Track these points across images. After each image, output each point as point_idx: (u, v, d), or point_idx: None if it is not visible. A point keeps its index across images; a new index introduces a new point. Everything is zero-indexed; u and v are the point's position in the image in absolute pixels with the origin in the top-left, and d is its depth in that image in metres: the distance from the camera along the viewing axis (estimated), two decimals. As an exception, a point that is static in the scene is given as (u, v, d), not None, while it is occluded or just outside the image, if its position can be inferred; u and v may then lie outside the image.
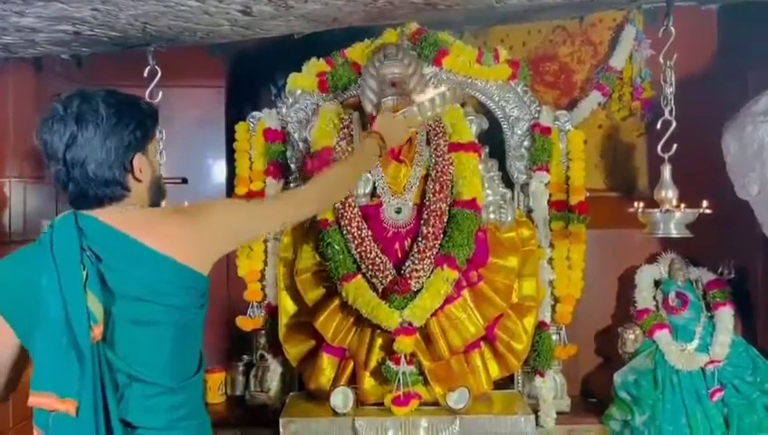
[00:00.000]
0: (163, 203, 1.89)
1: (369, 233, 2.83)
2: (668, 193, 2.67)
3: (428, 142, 2.97)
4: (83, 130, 1.65)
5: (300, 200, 2.06)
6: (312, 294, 2.93)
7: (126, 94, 1.77)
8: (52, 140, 1.66)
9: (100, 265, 1.63)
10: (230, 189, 3.41)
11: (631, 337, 3.16)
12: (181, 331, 1.69)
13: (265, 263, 3.15)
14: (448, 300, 2.80)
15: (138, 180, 1.73)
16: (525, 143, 3.13)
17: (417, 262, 2.80)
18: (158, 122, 1.82)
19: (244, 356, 3.40)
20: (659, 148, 2.72)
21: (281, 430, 2.75)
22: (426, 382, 2.84)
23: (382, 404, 2.81)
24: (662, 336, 3.13)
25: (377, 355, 2.85)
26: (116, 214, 1.70)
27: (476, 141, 3.01)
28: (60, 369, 1.59)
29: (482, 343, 2.93)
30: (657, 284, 3.29)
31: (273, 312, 3.13)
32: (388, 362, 2.79)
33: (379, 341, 2.85)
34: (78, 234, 1.66)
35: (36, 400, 1.62)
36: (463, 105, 3.11)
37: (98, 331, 1.60)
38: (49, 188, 3.35)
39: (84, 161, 1.66)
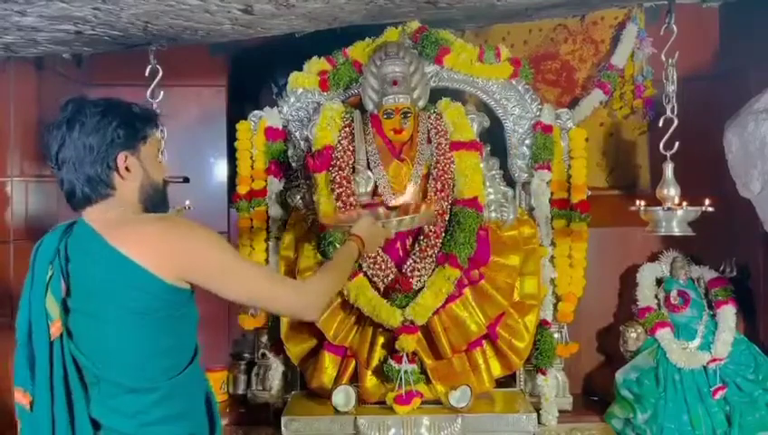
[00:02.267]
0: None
1: (371, 231, 2.83)
2: (670, 191, 2.67)
3: (429, 141, 2.97)
4: (71, 131, 1.71)
5: (285, 285, 1.92)
6: (314, 293, 2.93)
7: (120, 99, 1.80)
8: (50, 143, 1.73)
9: (68, 265, 1.69)
10: (231, 188, 3.41)
11: (633, 335, 3.16)
12: (146, 331, 1.67)
13: (267, 262, 3.15)
14: (450, 298, 2.81)
15: (124, 180, 1.74)
16: (527, 141, 3.12)
17: (418, 260, 2.80)
18: (154, 126, 1.82)
19: (246, 355, 3.41)
20: (661, 146, 2.72)
21: (282, 428, 2.75)
22: (427, 381, 2.85)
23: (384, 403, 2.81)
24: (664, 334, 3.13)
25: (378, 354, 2.85)
26: (101, 214, 1.73)
27: (477, 140, 3.00)
28: (21, 365, 1.71)
29: (484, 341, 2.93)
30: (658, 282, 3.29)
31: (274, 311, 3.13)
32: (390, 361, 2.79)
33: (381, 339, 2.85)
34: (61, 236, 1.73)
35: (15, 393, 1.73)
36: (464, 103, 3.11)
37: (54, 328, 1.66)
38: (50, 187, 3.36)
39: (70, 159, 1.71)
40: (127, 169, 1.73)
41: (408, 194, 2.52)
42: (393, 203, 2.47)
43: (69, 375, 1.66)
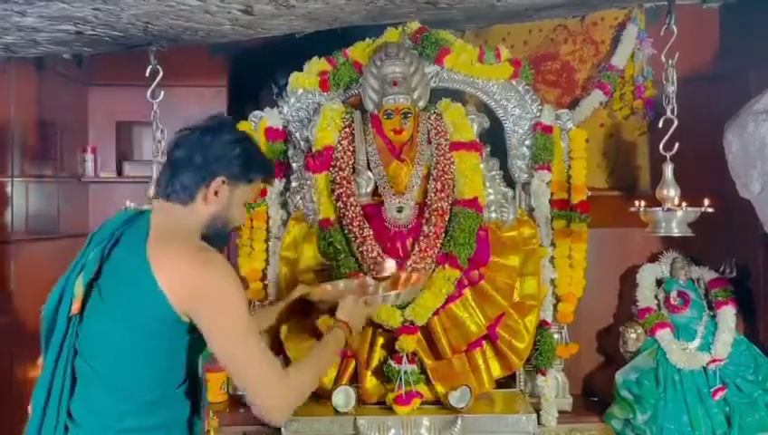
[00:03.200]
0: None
1: (371, 232, 2.84)
2: (670, 192, 2.67)
3: (430, 141, 2.97)
4: (201, 137, 1.78)
5: (270, 383, 1.75)
6: (314, 294, 2.93)
7: (255, 140, 1.92)
8: (174, 138, 1.82)
9: (114, 248, 1.73)
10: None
11: (633, 336, 3.16)
12: (142, 345, 1.68)
13: (267, 262, 3.15)
14: (450, 299, 2.81)
15: (206, 201, 1.77)
16: (527, 142, 3.13)
17: (418, 261, 2.80)
18: (265, 179, 1.90)
19: (246, 355, 3.40)
20: (661, 146, 2.72)
21: (282, 428, 2.75)
22: (427, 381, 2.85)
23: (384, 403, 2.82)
24: (664, 335, 3.13)
25: (378, 354, 2.85)
26: (164, 216, 1.76)
27: (478, 140, 3.01)
28: (42, 335, 1.78)
29: (483, 341, 2.93)
30: (658, 282, 3.29)
31: (274, 311, 3.12)
32: (390, 362, 2.80)
33: (381, 340, 2.86)
34: (123, 223, 1.78)
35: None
36: (464, 104, 3.12)
37: (75, 305, 1.70)
38: (51, 187, 3.36)
39: (180, 157, 1.77)
40: (216, 193, 1.77)
41: (394, 264, 2.49)
42: (381, 275, 2.45)
43: (68, 363, 1.69)
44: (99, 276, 1.71)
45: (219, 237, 1.84)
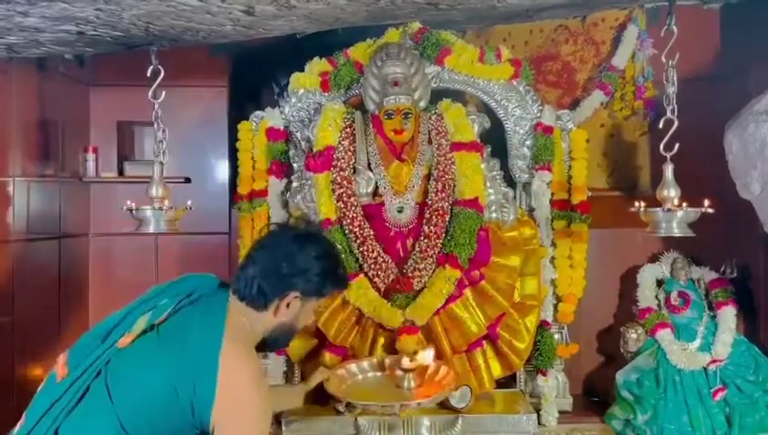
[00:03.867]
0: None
1: (372, 232, 2.84)
2: (671, 192, 2.67)
3: (430, 141, 2.97)
4: (289, 242, 1.80)
5: None
6: (315, 293, 2.93)
7: (340, 257, 1.95)
8: (266, 239, 1.86)
9: (190, 306, 1.75)
10: (233, 189, 3.42)
11: (633, 336, 3.17)
12: (164, 401, 1.68)
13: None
14: (450, 299, 2.81)
15: (276, 312, 1.79)
16: (527, 142, 3.13)
17: (419, 261, 2.80)
18: (338, 292, 1.95)
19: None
20: (662, 147, 2.72)
21: (282, 428, 2.75)
22: (428, 381, 2.85)
23: (385, 403, 2.81)
24: (664, 335, 3.13)
25: (379, 354, 2.85)
26: (237, 315, 1.76)
27: (478, 141, 3.00)
28: (81, 344, 1.79)
29: (484, 341, 2.93)
30: (659, 283, 3.29)
31: (275, 311, 3.13)
32: (391, 361, 2.79)
33: (381, 340, 2.85)
34: (201, 285, 1.81)
35: (59, 359, 1.80)
36: (465, 104, 3.12)
37: (127, 339, 1.72)
38: (52, 187, 3.37)
39: (264, 261, 1.78)
40: (287, 305, 1.79)
41: (426, 357, 2.47)
42: (406, 366, 2.43)
43: (89, 379, 1.70)
44: (162, 322, 1.74)
45: (274, 344, 1.89)
